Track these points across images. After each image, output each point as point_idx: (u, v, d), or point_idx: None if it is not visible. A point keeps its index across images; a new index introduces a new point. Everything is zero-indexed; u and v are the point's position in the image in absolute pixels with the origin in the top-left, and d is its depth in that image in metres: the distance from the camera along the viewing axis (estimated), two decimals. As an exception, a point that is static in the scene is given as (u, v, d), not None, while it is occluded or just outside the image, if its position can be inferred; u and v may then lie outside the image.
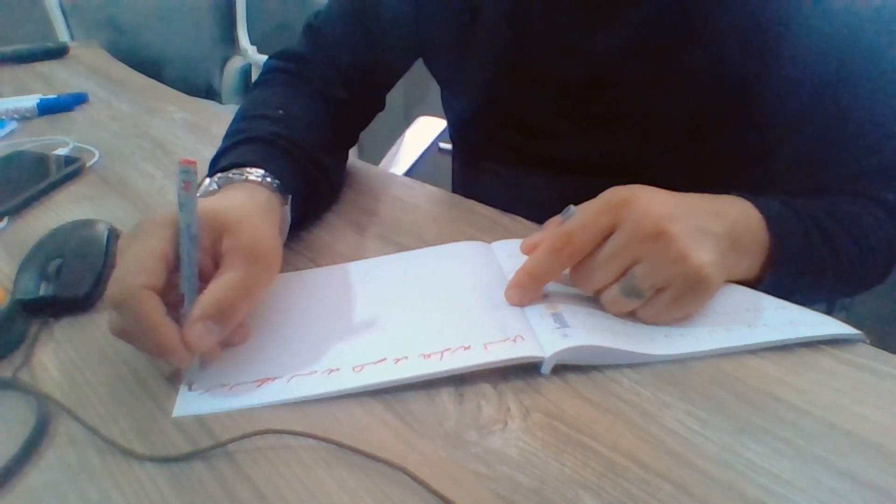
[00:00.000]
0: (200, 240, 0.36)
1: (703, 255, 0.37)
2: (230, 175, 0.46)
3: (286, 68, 0.64)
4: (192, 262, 0.36)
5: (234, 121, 0.57)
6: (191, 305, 0.35)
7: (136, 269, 0.34)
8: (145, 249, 0.35)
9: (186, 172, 0.34)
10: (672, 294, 0.38)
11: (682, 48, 0.51)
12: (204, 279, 0.37)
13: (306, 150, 0.53)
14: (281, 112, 0.56)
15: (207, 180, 0.47)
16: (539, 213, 0.52)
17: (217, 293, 0.35)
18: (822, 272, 0.46)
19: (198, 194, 0.43)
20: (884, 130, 0.48)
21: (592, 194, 0.39)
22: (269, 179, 0.46)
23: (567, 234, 0.38)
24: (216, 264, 0.38)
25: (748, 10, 0.48)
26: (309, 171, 0.52)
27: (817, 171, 0.51)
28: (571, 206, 0.39)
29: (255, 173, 0.46)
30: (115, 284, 0.34)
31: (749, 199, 0.44)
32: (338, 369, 0.37)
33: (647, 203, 0.37)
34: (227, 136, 0.54)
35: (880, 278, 0.51)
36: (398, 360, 0.37)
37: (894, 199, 0.49)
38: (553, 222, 0.42)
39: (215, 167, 0.48)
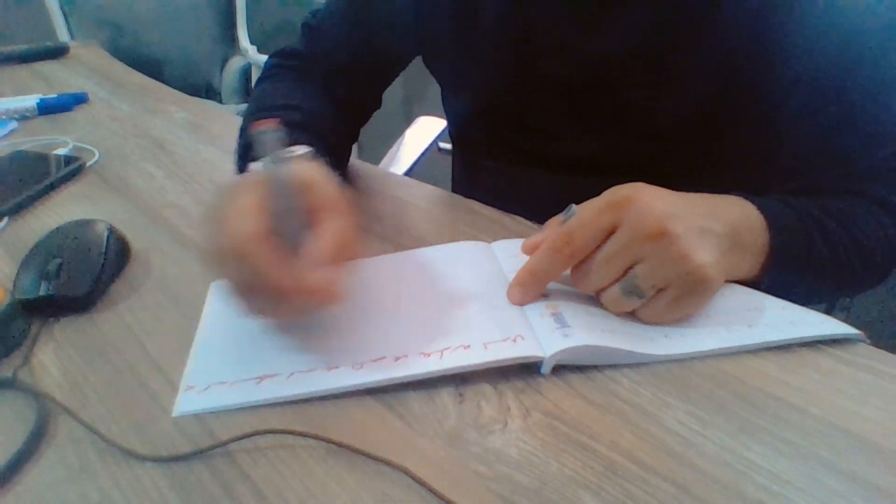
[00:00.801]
0: (295, 196, 0.36)
1: (705, 255, 0.37)
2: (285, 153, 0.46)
3: (290, 66, 0.65)
4: (293, 218, 0.36)
5: (256, 110, 0.58)
6: (299, 256, 0.35)
7: (243, 219, 0.34)
8: (246, 204, 0.35)
9: (265, 132, 0.34)
10: (673, 294, 0.38)
11: (683, 48, 0.51)
12: (297, 239, 0.36)
13: (331, 140, 0.54)
14: (300, 104, 0.57)
15: (258, 164, 0.47)
16: (539, 213, 0.52)
17: (329, 237, 0.35)
18: (822, 272, 0.46)
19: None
20: (885, 131, 0.48)
21: (593, 194, 0.39)
22: (319, 157, 0.47)
23: (568, 234, 0.38)
24: (311, 222, 0.37)
25: (749, 10, 0.48)
26: (334, 162, 0.53)
27: (818, 170, 0.51)
28: (573, 206, 0.39)
29: (304, 150, 0.47)
30: (223, 237, 0.34)
31: (749, 199, 0.44)
32: (337, 367, 0.37)
33: (649, 202, 0.37)
34: (244, 128, 0.55)
35: (880, 279, 0.51)
36: (398, 357, 0.37)
37: (894, 199, 0.49)
38: (554, 222, 0.42)
39: (246, 154, 0.49)
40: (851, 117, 0.49)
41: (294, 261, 0.35)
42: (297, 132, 0.51)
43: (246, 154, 0.52)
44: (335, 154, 0.54)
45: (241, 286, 0.35)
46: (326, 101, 0.61)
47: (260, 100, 0.60)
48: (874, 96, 0.48)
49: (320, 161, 0.47)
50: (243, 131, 0.55)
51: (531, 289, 0.40)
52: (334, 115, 0.61)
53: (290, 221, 0.36)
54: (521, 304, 0.40)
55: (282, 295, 0.34)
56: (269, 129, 0.34)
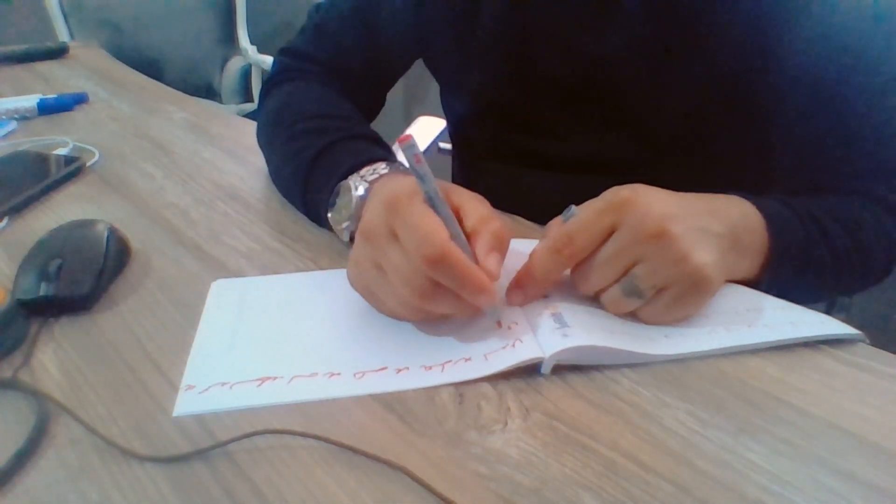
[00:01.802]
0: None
1: (704, 255, 0.37)
2: (375, 168, 0.48)
3: (305, 69, 0.65)
4: (454, 221, 0.37)
5: (300, 117, 0.57)
6: (467, 255, 0.36)
7: (433, 227, 0.35)
8: (422, 213, 0.36)
9: (412, 147, 0.35)
10: (673, 294, 0.38)
11: (682, 47, 0.51)
12: None
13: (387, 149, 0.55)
14: (344, 112, 0.58)
15: (354, 178, 0.47)
16: (539, 213, 0.52)
17: (489, 228, 0.37)
18: (821, 272, 0.46)
19: (360, 193, 0.46)
20: (884, 129, 0.48)
21: (593, 194, 0.39)
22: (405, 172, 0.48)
23: (568, 235, 0.38)
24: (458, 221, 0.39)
25: (748, 9, 0.48)
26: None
27: (817, 169, 0.51)
28: (572, 206, 0.39)
29: (385, 167, 0.48)
30: (427, 246, 0.34)
31: (749, 199, 0.44)
32: (339, 373, 0.37)
33: (649, 203, 0.37)
34: (308, 132, 0.54)
35: (880, 278, 0.51)
36: (399, 370, 0.37)
37: (893, 199, 0.49)
38: (554, 223, 0.42)
39: (331, 165, 0.50)
40: (850, 117, 0.49)
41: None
42: (370, 143, 0.52)
43: (314, 167, 0.51)
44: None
45: (432, 296, 0.36)
46: (350, 106, 0.61)
47: (296, 106, 0.59)
48: (872, 96, 0.48)
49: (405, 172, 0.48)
50: (304, 139, 0.54)
51: (531, 290, 0.40)
52: (366, 121, 0.61)
53: (452, 226, 0.37)
54: (521, 305, 0.40)
55: (479, 291, 0.35)
56: (413, 144, 0.35)
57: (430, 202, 0.36)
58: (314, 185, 0.51)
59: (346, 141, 0.52)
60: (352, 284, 0.41)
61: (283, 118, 0.59)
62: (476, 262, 0.36)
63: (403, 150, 0.35)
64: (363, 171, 0.47)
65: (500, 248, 0.37)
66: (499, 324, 0.39)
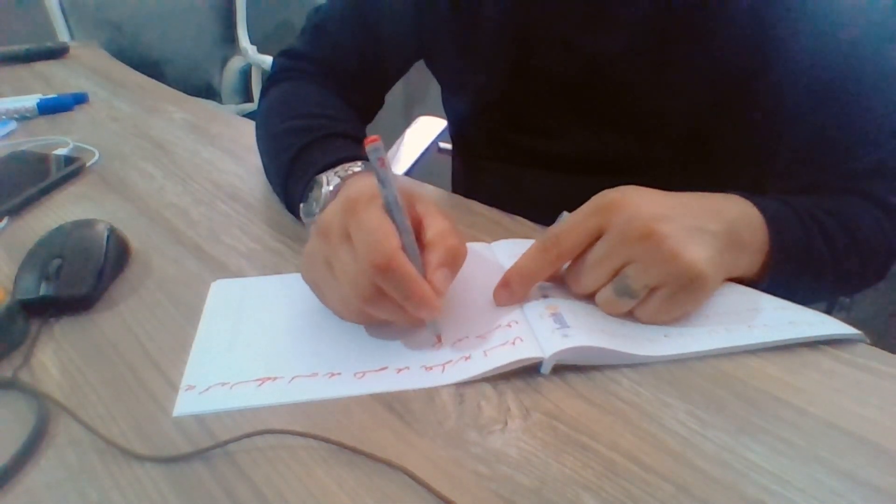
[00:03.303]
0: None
1: (696, 252, 0.37)
2: (347, 167, 0.48)
3: (302, 69, 0.65)
4: (409, 230, 0.37)
5: (290, 116, 0.58)
6: (418, 266, 0.36)
7: (384, 234, 0.35)
8: (377, 218, 0.36)
9: (377, 150, 0.35)
10: (666, 292, 0.38)
11: (681, 47, 0.51)
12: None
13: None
14: (332, 111, 0.58)
15: (329, 174, 0.48)
16: (540, 213, 0.52)
17: (444, 243, 0.37)
18: (821, 271, 0.46)
19: (330, 188, 0.46)
20: (884, 129, 0.48)
21: (593, 193, 0.39)
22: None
23: (556, 236, 0.39)
24: (417, 231, 0.39)
25: (749, 8, 0.48)
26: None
27: (817, 169, 0.51)
28: (565, 213, 0.40)
29: (364, 164, 0.48)
30: (374, 252, 0.34)
31: (748, 198, 0.44)
32: (339, 373, 0.37)
33: (637, 204, 0.37)
34: (294, 130, 0.55)
35: (878, 278, 0.51)
36: (400, 370, 0.37)
37: (893, 199, 0.49)
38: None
39: (308, 162, 0.50)
40: (848, 117, 0.49)
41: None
42: (349, 142, 0.52)
43: (294, 164, 0.51)
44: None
45: (376, 300, 0.36)
46: (346, 105, 0.62)
47: (287, 104, 0.60)
48: (871, 96, 0.48)
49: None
50: (286, 139, 0.55)
51: (517, 290, 0.41)
52: (357, 120, 0.62)
53: (406, 235, 0.37)
54: (507, 305, 0.41)
55: (422, 303, 0.35)
56: (379, 147, 0.35)
57: (388, 208, 0.36)
58: (293, 181, 0.52)
59: (326, 139, 0.52)
60: (302, 275, 0.41)
61: (273, 117, 0.60)
62: (425, 274, 0.36)
63: (368, 153, 0.35)
64: (338, 168, 0.48)
65: (453, 263, 0.37)
66: (438, 338, 0.38)
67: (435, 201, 0.41)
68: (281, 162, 0.54)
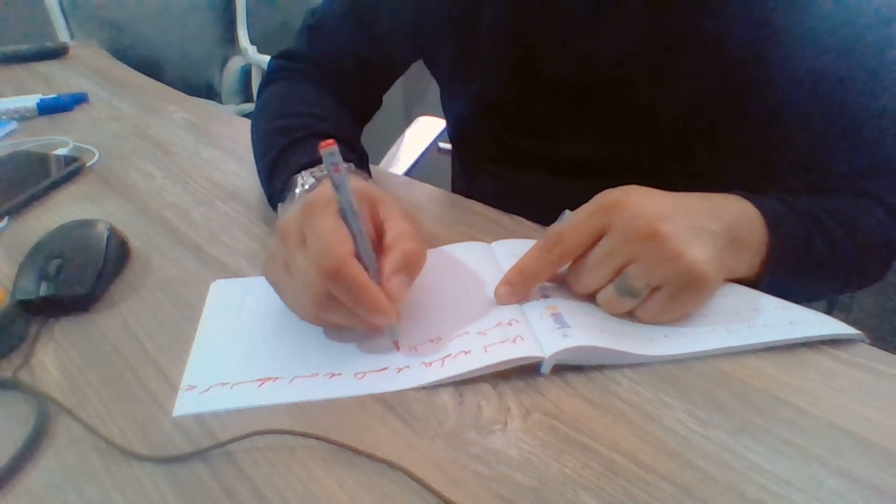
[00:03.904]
0: (362, 213, 0.37)
1: (698, 252, 0.37)
2: (324, 168, 0.47)
3: (296, 68, 0.65)
4: (363, 235, 0.37)
5: (276, 116, 0.58)
6: (373, 271, 0.36)
7: (336, 239, 0.35)
8: (330, 224, 0.36)
9: (332, 154, 0.35)
10: (668, 292, 0.38)
11: (681, 48, 0.51)
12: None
13: (356, 147, 0.55)
14: (319, 110, 0.58)
15: (304, 174, 0.48)
16: (539, 213, 0.52)
17: (403, 248, 0.37)
18: (820, 270, 0.46)
19: (305, 188, 0.46)
20: (883, 129, 0.48)
21: (593, 193, 0.39)
22: (361, 171, 0.49)
23: (558, 235, 0.39)
24: (378, 235, 0.39)
25: (749, 10, 0.48)
26: (364, 167, 0.55)
27: (817, 169, 0.51)
28: (566, 211, 0.40)
29: (344, 165, 0.48)
30: (324, 257, 0.34)
31: (747, 198, 0.44)
32: (339, 374, 0.37)
33: (640, 204, 0.37)
34: (279, 130, 0.55)
35: (878, 277, 0.51)
36: (400, 369, 0.37)
37: (893, 199, 0.49)
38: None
39: (287, 162, 0.50)
40: (850, 117, 0.49)
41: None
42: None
43: (276, 165, 0.52)
44: (364, 158, 0.55)
45: (328, 304, 0.36)
46: (338, 104, 0.62)
47: (276, 104, 0.60)
48: (872, 96, 0.48)
49: (360, 171, 0.49)
50: (270, 139, 0.55)
51: (519, 289, 0.41)
52: (348, 118, 0.61)
53: (361, 240, 0.37)
54: (508, 303, 0.41)
55: (374, 310, 0.35)
56: (334, 151, 0.35)
57: (343, 213, 0.36)
58: (275, 181, 0.52)
59: (306, 139, 0.53)
60: (264, 273, 0.41)
61: (261, 118, 0.60)
62: (380, 280, 0.36)
63: (323, 157, 0.35)
64: (314, 169, 0.48)
65: (410, 268, 0.37)
66: (396, 344, 0.38)
67: (399, 205, 0.41)
68: (265, 162, 0.54)
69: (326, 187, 0.37)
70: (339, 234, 0.35)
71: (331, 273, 0.34)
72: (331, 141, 0.35)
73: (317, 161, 0.49)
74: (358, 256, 0.36)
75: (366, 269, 0.36)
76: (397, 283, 0.36)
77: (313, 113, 0.57)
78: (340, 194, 0.36)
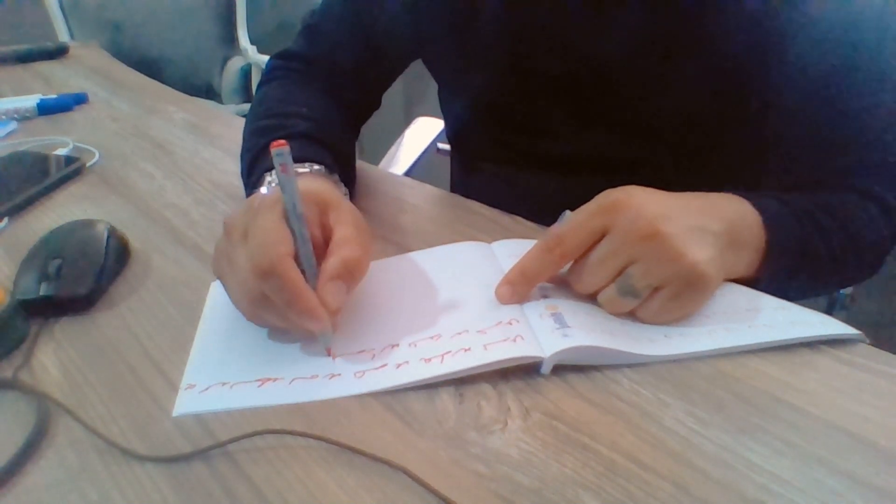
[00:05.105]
0: (308, 216, 0.37)
1: (699, 252, 0.37)
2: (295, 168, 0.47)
3: (292, 67, 0.65)
4: (305, 238, 0.37)
5: (262, 116, 0.58)
6: (312, 276, 0.36)
7: (274, 239, 0.35)
8: (272, 223, 0.36)
9: (281, 155, 0.35)
10: (669, 292, 0.38)
11: (682, 46, 0.51)
12: (315, 254, 0.38)
13: (339, 148, 0.55)
14: (305, 110, 0.57)
15: (272, 173, 0.48)
16: (539, 213, 0.52)
17: (342, 255, 0.37)
18: (817, 267, 0.46)
19: (272, 187, 0.46)
20: (878, 126, 0.49)
21: (593, 193, 0.39)
22: (331, 173, 0.49)
23: (559, 235, 0.39)
24: (325, 239, 0.39)
25: (748, 6, 0.48)
26: (344, 168, 0.54)
27: (812, 165, 0.51)
28: (567, 212, 0.40)
29: (316, 167, 0.48)
30: (260, 255, 0.35)
31: (745, 197, 0.44)
32: (339, 374, 0.37)
33: (641, 204, 0.37)
34: (262, 130, 0.55)
35: (871, 272, 0.51)
36: (399, 365, 0.37)
37: (887, 195, 0.49)
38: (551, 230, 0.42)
39: (262, 162, 0.50)
40: (845, 114, 0.49)
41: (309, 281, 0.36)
42: (304, 142, 0.52)
43: (254, 165, 0.52)
44: (342, 160, 0.54)
45: (261, 304, 0.36)
46: (330, 104, 0.61)
47: (264, 104, 0.60)
48: (868, 93, 0.48)
49: (328, 173, 0.48)
50: (248, 140, 0.55)
51: (519, 288, 0.41)
52: (340, 119, 0.61)
53: (302, 243, 0.37)
54: (509, 302, 0.41)
55: (305, 314, 0.35)
56: (283, 152, 0.35)
57: (286, 215, 0.36)
58: (252, 180, 0.52)
59: (284, 139, 0.52)
60: (212, 268, 0.41)
61: (250, 118, 0.60)
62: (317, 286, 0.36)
63: (273, 157, 0.35)
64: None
65: (348, 275, 0.37)
66: (328, 352, 0.38)
67: (351, 210, 0.40)
68: (245, 162, 0.55)
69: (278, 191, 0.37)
70: (277, 234, 0.35)
71: (264, 271, 0.34)
72: (282, 141, 0.34)
73: (300, 159, 0.48)
74: (298, 259, 0.36)
75: (304, 273, 0.36)
76: (332, 290, 0.36)
77: (298, 113, 0.57)
78: (286, 195, 0.36)
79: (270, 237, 0.35)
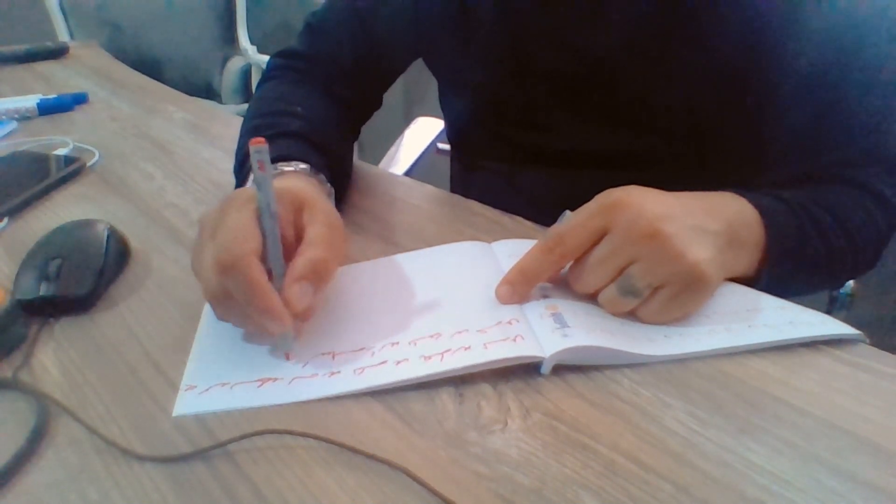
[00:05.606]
0: (282, 215, 0.37)
1: (700, 252, 0.37)
2: (278, 166, 0.47)
3: (292, 66, 0.65)
4: (276, 237, 0.36)
5: (256, 115, 0.58)
6: (279, 276, 0.36)
7: (241, 236, 0.35)
8: (240, 220, 0.36)
9: (259, 152, 0.34)
10: (670, 292, 0.38)
11: (678, 41, 0.51)
12: (287, 254, 0.37)
13: (331, 147, 0.55)
14: (300, 109, 0.57)
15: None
16: (539, 212, 0.52)
17: (309, 255, 0.36)
18: (816, 263, 0.46)
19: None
20: (875, 119, 0.49)
21: (592, 188, 0.39)
22: (316, 172, 0.49)
23: (559, 235, 0.39)
24: (298, 239, 0.38)
25: (743, 2, 0.48)
26: (334, 167, 0.54)
27: (809, 158, 0.51)
28: (567, 212, 0.40)
29: (302, 166, 0.48)
30: (223, 251, 0.34)
31: (743, 195, 0.44)
32: (339, 372, 0.37)
33: (641, 204, 0.37)
34: (255, 129, 0.55)
35: (868, 267, 0.51)
36: (399, 362, 0.37)
37: (883, 188, 0.49)
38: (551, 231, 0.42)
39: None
40: (841, 107, 0.49)
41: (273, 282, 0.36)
42: (293, 141, 0.52)
43: (244, 162, 0.52)
44: (333, 159, 0.54)
45: (223, 300, 0.36)
46: (328, 103, 0.61)
47: (260, 103, 0.60)
48: (865, 86, 0.48)
49: (315, 172, 0.48)
50: (243, 137, 0.56)
51: (519, 288, 0.41)
52: (336, 118, 0.61)
53: (272, 242, 0.36)
54: (509, 302, 0.41)
55: (265, 313, 0.34)
56: (262, 150, 0.34)
57: (259, 213, 0.36)
58: (239, 178, 0.53)
59: (273, 138, 0.52)
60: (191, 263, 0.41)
61: (246, 117, 0.60)
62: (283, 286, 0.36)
63: (251, 154, 0.34)
64: (278, 165, 0.48)
65: (316, 277, 0.36)
66: (287, 356, 0.38)
67: (327, 211, 0.40)
68: (237, 161, 0.55)
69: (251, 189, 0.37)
70: (245, 231, 0.35)
71: (226, 267, 0.34)
72: (261, 139, 0.34)
73: (275, 159, 0.48)
74: (266, 259, 0.35)
75: (270, 273, 0.36)
76: (297, 291, 0.35)
77: (292, 112, 0.57)
78: (261, 193, 0.36)
79: (237, 233, 0.35)
